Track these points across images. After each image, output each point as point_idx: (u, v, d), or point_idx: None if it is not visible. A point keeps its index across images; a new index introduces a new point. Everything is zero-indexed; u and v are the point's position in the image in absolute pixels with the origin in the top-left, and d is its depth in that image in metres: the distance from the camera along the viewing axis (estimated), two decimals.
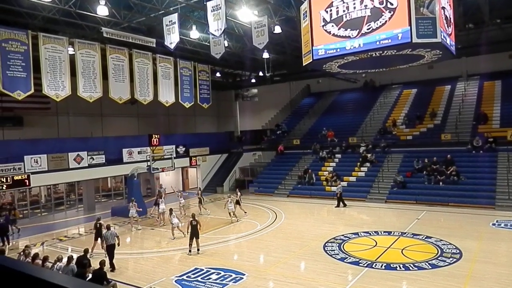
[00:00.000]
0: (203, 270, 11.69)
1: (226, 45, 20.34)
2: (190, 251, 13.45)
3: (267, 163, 29.68)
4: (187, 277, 11.22)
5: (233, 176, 29.33)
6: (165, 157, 23.82)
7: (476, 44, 22.51)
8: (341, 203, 20.60)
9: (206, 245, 14.64)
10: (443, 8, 11.43)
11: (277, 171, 27.76)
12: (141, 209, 18.90)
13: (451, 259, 11.70)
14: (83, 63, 18.52)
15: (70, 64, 18.00)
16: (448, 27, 12.23)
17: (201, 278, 11.04)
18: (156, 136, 23.43)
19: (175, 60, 23.36)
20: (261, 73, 29.15)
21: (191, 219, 13.67)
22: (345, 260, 12.06)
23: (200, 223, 13.81)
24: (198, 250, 13.50)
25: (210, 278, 11.01)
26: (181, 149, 27.26)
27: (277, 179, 26.57)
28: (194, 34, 18.73)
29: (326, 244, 13.77)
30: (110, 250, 12.18)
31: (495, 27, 21.35)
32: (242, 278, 10.96)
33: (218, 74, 30.11)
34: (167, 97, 22.87)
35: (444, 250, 12.53)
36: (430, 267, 11.12)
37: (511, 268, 10.84)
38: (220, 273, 11.32)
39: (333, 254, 12.67)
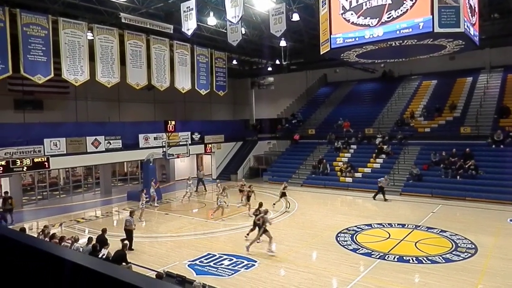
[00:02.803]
0: (215, 255, 11.85)
1: (243, 32, 20.21)
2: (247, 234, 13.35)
3: (281, 152, 29.64)
4: (199, 262, 11.41)
5: (247, 164, 29.43)
6: (180, 143, 24.05)
7: (501, 35, 21.73)
8: (381, 195, 19.60)
9: (219, 232, 14.83)
10: None
11: (291, 160, 27.71)
12: (147, 198, 19.14)
13: (465, 253, 11.56)
14: (101, 49, 18.71)
15: (88, 49, 18.22)
16: (472, 17, 11.85)
17: (214, 264, 11.20)
18: (172, 122, 23.63)
19: (192, 47, 23.37)
20: (277, 61, 28.91)
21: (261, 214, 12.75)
22: (357, 251, 12.05)
23: (264, 220, 12.55)
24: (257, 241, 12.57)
25: (222, 264, 11.16)
26: (197, 136, 27.44)
27: (292, 168, 26.55)
28: (212, 21, 18.66)
29: (339, 235, 13.76)
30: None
31: None
32: (254, 265, 11.07)
33: (234, 62, 30.01)
34: (183, 83, 22.97)
35: (459, 244, 12.37)
36: (444, 261, 11.01)
37: (499, 261, 10.65)
38: (232, 259, 11.46)
39: (346, 245, 12.66)
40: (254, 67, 33.34)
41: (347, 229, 14.47)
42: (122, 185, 27.36)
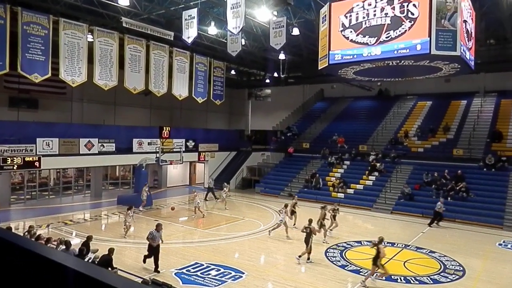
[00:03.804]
0: (203, 265, 11.73)
1: (243, 43, 20.38)
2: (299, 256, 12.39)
3: (275, 164, 29.65)
4: (186, 270, 11.27)
5: (241, 175, 29.37)
6: (174, 150, 23.97)
7: (496, 60, 22.17)
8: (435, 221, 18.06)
9: (208, 241, 14.70)
10: (465, 21, 11.29)
11: (284, 173, 27.70)
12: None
13: (453, 275, 11.55)
14: (101, 51, 18.73)
15: (88, 51, 18.23)
16: (468, 41, 12.08)
17: (201, 273, 11.08)
18: (167, 128, 23.58)
19: (191, 55, 23.49)
20: (275, 74, 29.11)
21: (306, 225, 12.59)
22: (345, 268, 11.99)
23: (314, 230, 12.52)
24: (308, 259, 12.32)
25: (209, 274, 11.04)
26: (191, 144, 27.38)
27: (284, 181, 26.53)
28: (212, 30, 18.80)
29: (328, 250, 13.70)
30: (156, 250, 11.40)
31: None
32: (241, 276, 10.96)
33: (232, 72, 30.18)
34: (180, 90, 23.00)
35: (447, 266, 12.36)
36: (431, 282, 10.99)
37: (487, 285, 10.66)
38: (220, 270, 11.34)
39: (334, 261, 12.60)
40: (252, 78, 33.54)
41: (336, 245, 14.43)
42: (113, 189, 27.12)
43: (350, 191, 23.47)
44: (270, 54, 24.17)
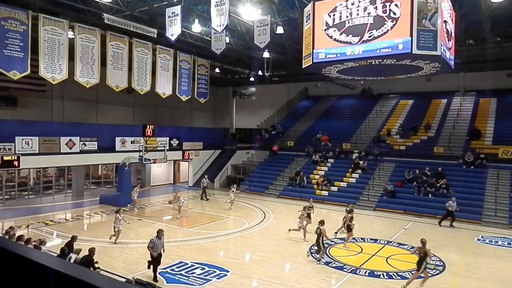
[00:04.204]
0: (187, 264, 11.68)
1: (227, 41, 20.33)
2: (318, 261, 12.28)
3: (259, 162, 29.69)
4: (171, 270, 11.20)
5: (225, 173, 29.32)
6: (157, 148, 23.75)
7: (475, 60, 22.69)
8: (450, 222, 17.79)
9: (192, 240, 14.64)
10: (445, 22, 11.52)
11: (269, 171, 27.78)
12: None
13: (434, 270, 11.80)
14: (82, 48, 18.38)
15: (68, 48, 17.86)
16: (448, 41, 12.33)
17: (185, 272, 11.02)
18: (151, 127, 23.33)
19: (175, 52, 23.28)
20: (260, 72, 29.13)
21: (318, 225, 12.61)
22: (329, 265, 12.12)
23: (324, 232, 12.45)
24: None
25: (194, 273, 11.00)
26: (175, 142, 27.17)
27: (269, 179, 26.61)
28: (196, 28, 18.68)
29: (312, 247, 13.81)
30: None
31: (495, 45, 21.52)
32: (226, 275, 10.96)
33: (217, 70, 30.05)
34: (164, 88, 22.78)
35: (428, 261, 12.60)
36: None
37: (492, 283, 10.96)
38: (205, 269, 11.31)
39: (318, 258, 12.70)
40: (236, 77, 33.47)
41: None
42: (95, 188, 26.70)
43: (334, 188, 23.71)
44: (254, 53, 24.16)
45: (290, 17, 18.14)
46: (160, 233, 10.75)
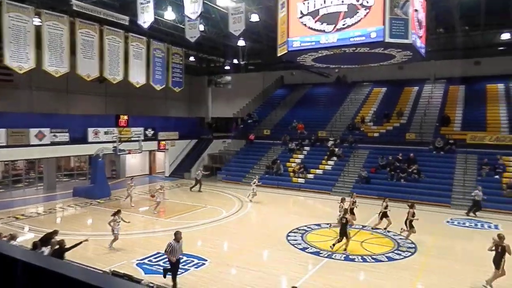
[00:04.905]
0: (164, 254, 11.61)
1: (202, 29, 20.03)
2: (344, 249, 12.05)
3: (236, 151, 29.69)
4: (148, 260, 11.14)
5: (202, 163, 29.19)
6: (132, 139, 23.32)
7: (445, 48, 23.29)
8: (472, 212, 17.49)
9: (170, 231, 14.55)
10: (416, 10, 11.74)
11: (246, 159, 27.85)
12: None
13: (406, 252, 12.24)
14: (50, 36, 17.69)
15: (36, 36, 17.15)
16: (419, 30, 12.59)
17: (163, 262, 10.98)
18: (124, 117, 22.86)
19: (148, 41, 22.78)
20: (235, 61, 28.92)
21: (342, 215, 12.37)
22: (306, 250, 12.36)
23: (350, 219, 12.33)
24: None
25: None
26: (150, 132, 26.76)
27: (246, 167, 26.68)
28: (169, 15, 18.30)
29: (289, 234, 14.03)
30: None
31: (463, 34, 22.13)
32: (204, 264, 11.01)
33: (192, 58, 29.63)
34: (137, 78, 22.30)
35: (400, 244, 13.07)
36: (386, 260, 11.59)
37: (461, 263, 11.49)
38: (182, 258, 11.29)
39: (295, 244, 12.94)
40: (211, 65, 33.11)
41: (297, 228, 14.79)
42: (67, 180, 26.03)
43: (310, 176, 24.05)
44: (229, 41, 23.92)
45: (265, 5, 18.03)
46: (178, 235, 9.55)
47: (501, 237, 9.59)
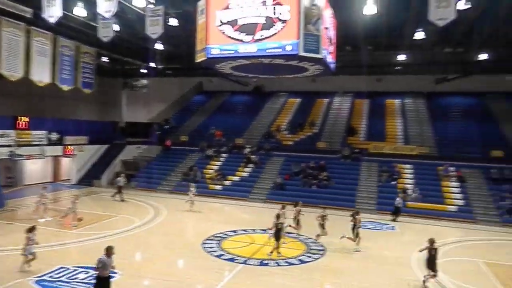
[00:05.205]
0: (69, 269, 10.71)
1: (117, 29, 19.09)
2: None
3: (152, 157, 28.69)
4: (49, 277, 10.15)
5: (114, 169, 27.59)
6: (33, 143, 21.16)
7: (352, 65, 25.43)
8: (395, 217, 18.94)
9: (76, 243, 13.48)
10: (327, 28, 12.63)
11: (162, 166, 27.04)
12: None
13: (316, 255, 12.94)
14: None
15: None
16: (330, 46, 13.55)
17: (67, 278, 10.11)
18: (24, 118, 20.68)
19: (55, 37, 21.01)
20: (153, 64, 28.07)
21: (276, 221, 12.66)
22: (221, 257, 12.37)
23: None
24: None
25: (76, 278, 10.15)
26: (55, 136, 24.53)
27: (162, 174, 25.91)
28: (80, 11, 17.12)
29: (205, 242, 13.92)
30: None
31: (367, 53, 24.40)
32: (115, 276, 10.36)
33: (105, 59, 28.01)
34: (41, 76, 20.40)
35: (311, 247, 13.78)
36: (298, 263, 12.13)
37: (365, 262, 12.46)
38: (89, 272, 10.51)
39: (211, 251, 12.88)
40: (127, 67, 31.67)
41: (213, 235, 14.75)
42: None
43: (228, 182, 24.21)
44: (147, 43, 23.13)
45: (185, 10, 17.83)
46: (110, 250, 8.65)
47: (432, 241, 10.36)
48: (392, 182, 22.34)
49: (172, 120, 32.61)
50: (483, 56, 23.28)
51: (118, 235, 14.63)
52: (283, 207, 14.95)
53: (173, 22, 18.10)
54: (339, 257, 12.91)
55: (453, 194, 20.93)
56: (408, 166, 23.54)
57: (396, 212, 19.07)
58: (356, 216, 13.85)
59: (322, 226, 14.48)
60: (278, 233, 12.63)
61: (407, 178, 22.68)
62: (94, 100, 31.80)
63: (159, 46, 22.62)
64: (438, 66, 25.95)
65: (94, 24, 18.59)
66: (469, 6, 14.37)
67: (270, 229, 13.13)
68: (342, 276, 11.22)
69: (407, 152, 24.50)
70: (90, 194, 23.09)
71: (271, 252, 12.58)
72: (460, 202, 20.28)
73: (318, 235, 14.46)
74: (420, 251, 10.85)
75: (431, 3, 14.13)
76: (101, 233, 14.73)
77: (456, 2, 14.00)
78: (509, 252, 14.38)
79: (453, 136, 25.29)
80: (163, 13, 16.17)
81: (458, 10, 14.29)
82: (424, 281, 10.46)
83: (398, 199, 19.43)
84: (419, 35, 19.24)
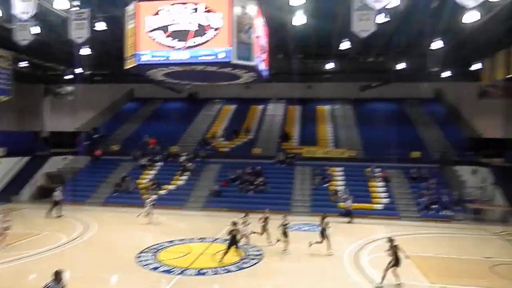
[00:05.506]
0: None
1: (38, 31, 17.72)
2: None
3: (80, 169, 26.96)
4: None
5: (37, 183, 25.48)
6: None
7: (284, 72, 26.27)
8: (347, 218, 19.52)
9: None
10: (258, 36, 12.94)
11: (91, 178, 25.51)
12: None
13: (254, 260, 13.07)
14: None
15: None
16: (262, 54, 13.89)
17: None
18: None
19: None
20: (79, 70, 26.49)
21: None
22: (158, 270, 11.98)
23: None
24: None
25: None
26: None
27: (91, 186, 24.46)
28: None
29: (140, 254, 13.38)
30: None
31: (299, 61, 25.38)
32: None
33: (24, 64, 25.84)
34: None
35: (249, 252, 13.88)
36: (237, 269, 12.14)
37: (301, 263, 12.85)
38: None
39: (146, 264, 12.42)
40: (49, 73, 29.52)
41: (149, 248, 14.24)
42: None
43: (163, 192, 23.55)
44: (71, 48, 21.75)
45: (113, 14, 17.12)
46: (59, 274, 7.85)
47: (391, 240, 10.99)
48: (325, 185, 23.35)
49: (102, 128, 31.04)
50: (400, 66, 25.37)
51: (43, 254, 13.52)
52: (246, 214, 15.07)
53: (101, 26, 17.27)
54: (277, 260, 13.16)
55: (379, 193, 22.42)
56: (339, 168, 24.76)
57: (349, 215, 19.68)
58: (324, 220, 14.08)
59: (285, 234, 14.31)
60: (232, 240, 12.67)
61: (338, 180, 23.85)
62: (12, 108, 29.23)
63: (86, 51, 21.40)
64: (363, 74, 27.80)
65: (9, 26, 17.10)
66: (387, 19, 15.56)
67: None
68: (280, 279, 11.45)
69: (337, 156, 25.80)
70: (9, 211, 21.02)
71: (221, 259, 12.55)
72: (386, 201, 21.79)
73: (277, 240, 14.52)
74: (387, 251, 11.03)
75: (354, 16, 15.18)
76: (23, 253, 13.49)
77: (376, 16, 15.18)
78: (428, 244, 15.76)
79: (377, 139, 27.09)
80: (89, 16, 15.35)
81: (378, 23, 15.53)
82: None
83: (348, 202, 20.26)
84: (345, 45, 20.40)
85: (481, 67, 23.26)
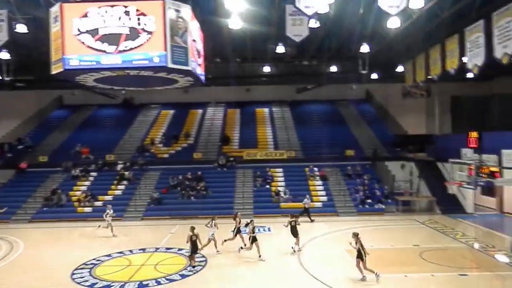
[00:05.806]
0: None
1: None
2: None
3: (2, 183, 24.67)
4: None
5: None
6: None
7: (222, 76, 26.32)
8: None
9: None
10: (194, 40, 12.81)
11: (16, 193, 23.46)
12: None
13: (198, 267, 12.85)
14: None
15: None
16: (198, 58, 13.76)
17: None
18: None
19: None
20: None
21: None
22: (95, 286, 11.30)
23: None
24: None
25: None
26: None
27: (16, 202, 22.43)
28: None
29: (75, 272, 12.54)
30: None
31: (236, 64, 25.57)
32: None
33: None
34: None
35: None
36: (180, 278, 11.85)
37: (241, 266, 12.86)
38: None
39: (82, 282, 11.65)
40: None
41: (85, 264, 13.37)
42: None
43: (99, 203, 22.30)
44: None
45: (35, 15, 15.95)
46: None
47: (355, 235, 11.31)
48: (266, 186, 23.69)
49: (28, 138, 28.73)
50: (333, 68, 26.61)
51: None
52: (213, 219, 14.86)
53: (22, 28, 16.00)
54: (220, 266, 13.06)
55: (318, 191, 23.23)
56: (279, 169, 25.26)
57: (306, 212, 19.73)
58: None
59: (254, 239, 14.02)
60: (193, 246, 12.62)
61: (279, 181, 24.33)
62: None
63: (4, 55, 19.71)
64: (298, 77, 28.68)
65: None
66: (318, 25, 16.25)
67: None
68: (224, 284, 11.37)
69: (277, 157, 26.32)
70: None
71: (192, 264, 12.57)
72: (324, 198, 22.64)
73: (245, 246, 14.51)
74: (354, 246, 11.27)
75: (287, 21, 15.65)
76: None
77: (308, 21, 15.79)
78: (363, 237, 16.48)
79: (314, 140, 28.12)
80: (7, 18, 14.17)
81: (310, 28, 16.17)
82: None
83: (305, 199, 20.24)
84: (280, 49, 20.92)
85: (404, 69, 25.16)
